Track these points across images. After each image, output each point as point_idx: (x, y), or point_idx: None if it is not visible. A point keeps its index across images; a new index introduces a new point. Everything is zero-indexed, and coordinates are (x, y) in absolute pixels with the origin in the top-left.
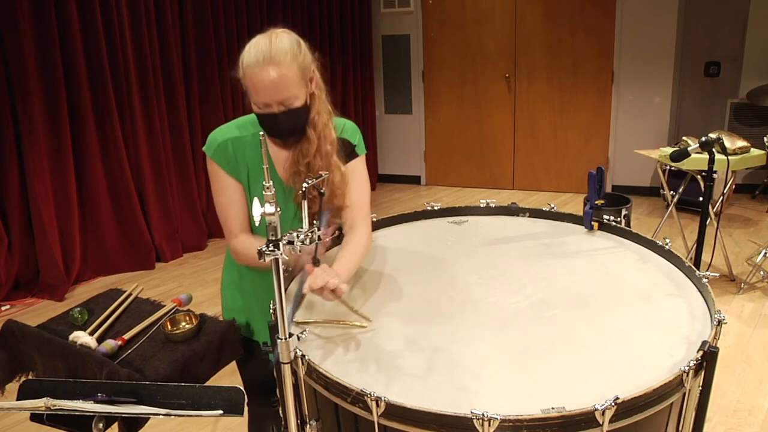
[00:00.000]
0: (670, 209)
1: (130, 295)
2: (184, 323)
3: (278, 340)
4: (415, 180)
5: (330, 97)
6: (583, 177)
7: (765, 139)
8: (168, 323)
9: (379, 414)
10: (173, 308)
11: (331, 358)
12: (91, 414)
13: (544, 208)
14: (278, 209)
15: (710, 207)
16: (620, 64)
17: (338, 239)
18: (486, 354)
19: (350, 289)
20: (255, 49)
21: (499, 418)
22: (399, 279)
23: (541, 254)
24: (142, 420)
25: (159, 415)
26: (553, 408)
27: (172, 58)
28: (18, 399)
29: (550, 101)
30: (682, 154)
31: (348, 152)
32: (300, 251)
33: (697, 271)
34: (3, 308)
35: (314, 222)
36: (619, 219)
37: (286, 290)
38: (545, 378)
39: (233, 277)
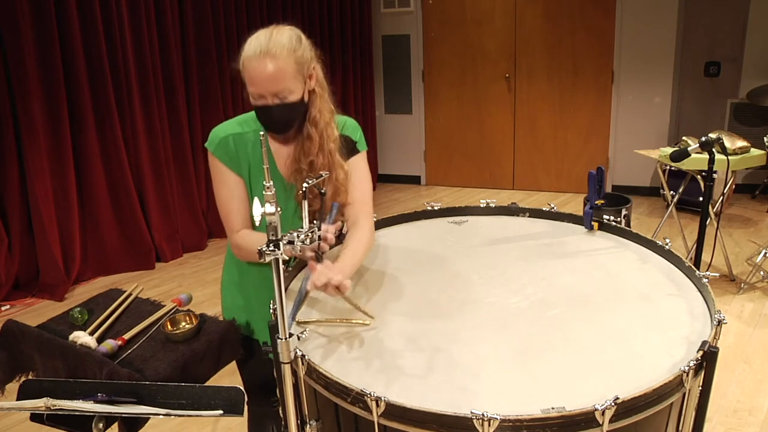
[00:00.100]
0: (670, 209)
1: (130, 295)
2: (184, 323)
3: (278, 340)
4: (415, 180)
5: (333, 96)
6: (583, 177)
7: (765, 139)
8: (168, 323)
9: (379, 414)
10: (173, 308)
11: (331, 358)
12: (91, 414)
13: (544, 208)
14: (278, 209)
15: (710, 207)
16: (620, 64)
17: (339, 238)
18: (486, 354)
19: (353, 286)
20: (255, 41)
21: (499, 418)
22: (399, 279)
23: (541, 254)
24: (142, 420)
25: (159, 415)
26: (553, 408)
27: (172, 58)
28: (18, 399)
29: (550, 101)
30: (682, 154)
31: (349, 149)
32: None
33: (697, 271)
34: (3, 308)
35: (314, 221)
36: (619, 219)
37: (286, 290)
38: (545, 378)
39: (233, 276)
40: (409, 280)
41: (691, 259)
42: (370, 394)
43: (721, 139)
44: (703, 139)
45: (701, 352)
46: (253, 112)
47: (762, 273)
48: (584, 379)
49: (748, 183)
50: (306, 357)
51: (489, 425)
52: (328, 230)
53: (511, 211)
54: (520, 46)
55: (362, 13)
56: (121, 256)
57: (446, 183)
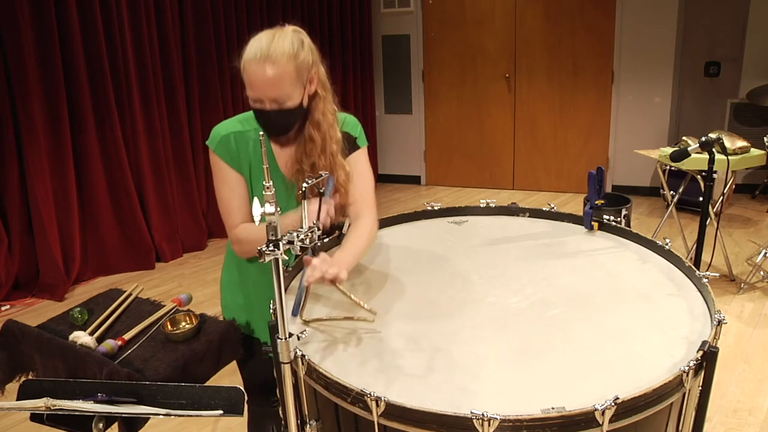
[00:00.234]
0: (670, 209)
1: (130, 295)
2: (184, 323)
3: (278, 340)
4: (415, 180)
5: (336, 98)
6: (583, 177)
7: (765, 139)
8: (168, 323)
9: (379, 414)
10: (173, 308)
11: (331, 357)
12: (91, 414)
13: (544, 208)
14: (278, 209)
15: (710, 207)
16: (620, 64)
17: (338, 239)
18: (486, 354)
19: (351, 286)
20: (256, 44)
21: (499, 418)
22: (399, 279)
23: (541, 254)
24: (142, 420)
25: (159, 415)
26: (553, 408)
27: (172, 58)
28: (18, 399)
29: (550, 101)
30: (682, 154)
31: (350, 145)
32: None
33: (697, 271)
34: (3, 308)
35: (314, 222)
36: (619, 219)
37: (286, 289)
38: (545, 378)
39: (233, 275)
40: (409, 280)
41: (691, 259)
42: (370, 394)
43: (721, 139)
44: (703, 139)
45: (701, 352)
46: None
47: (762, 273)
48: (584, 379)
49: (748, 183)
50: (306, 357)
51: (489, 425)
52: (329, 203)
53: (511, 211)
54: (520, 46)
55: (362, 13)
56: (121, 256)
57: (446, 183)
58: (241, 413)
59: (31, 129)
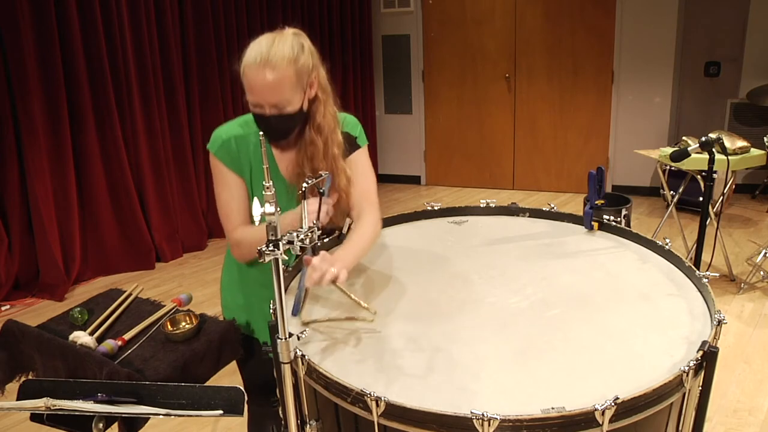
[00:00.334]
0: (670, 209)
1: (130, 295)
2: (184, 323)
3: (278, 340)
4: (415, 180)
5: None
6: (583, 177)
7: (765, 139)
8: (168, 323)
9: (379, 414)
10: (173, 308)
11: (330, 357)
12: (91, 414)
13: (544, 208)
14: (278, 209)
15: (710, 207)
16: (620, 64)
17: (338, 239)
18: (486, 354)
19: (351, 286)
20: (256, 48)
21: (499, 418)
22: (399, 279)
23: (541, 254)
24: (142, 420)
25: (159, 415)
26: (553, 408)
27: (172, 58)
28: (18, 399)
29: (550, 101)
30: (682, 154)
31: (350, 145)
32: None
33: (697, 271)
34: (3, 308)
35: (314, 222)
36: (619, 219)
37: (286, 290)
38: (545, 378)
39: (233, 275)
40: (409, 280)
41: (691, 259)
42: (370, 394)
43: (721, 139)
44: (703, 139)
45: (701, 352)
46: None
47: (762, 273)
48: (584, 379)
49: (748, 183)
50: (306, 357)
51: (489, 425)
52: (327, 203)
53: (511, 211)
54: (520, 46)
55: (362, 13)
56: (121, 256)
57: (446, 183)
58: (241, 413)
59: (31, 129)
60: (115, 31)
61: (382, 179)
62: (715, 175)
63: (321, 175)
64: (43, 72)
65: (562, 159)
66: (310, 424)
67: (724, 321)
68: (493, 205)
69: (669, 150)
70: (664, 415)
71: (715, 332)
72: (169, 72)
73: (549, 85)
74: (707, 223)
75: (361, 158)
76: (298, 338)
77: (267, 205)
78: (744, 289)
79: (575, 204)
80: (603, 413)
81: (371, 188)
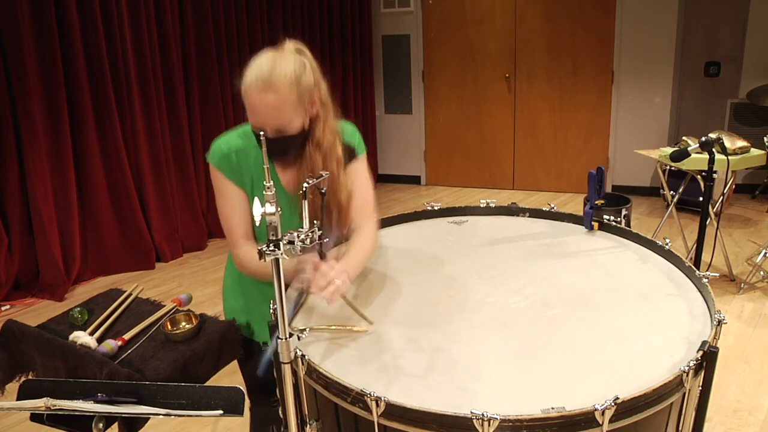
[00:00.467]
0: (670, 209)
1: (130, 295)
2: (184, 323)
3: (278, 340)
4: (415, 180)
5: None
6: (583, 177)
7: (765, 139)
8: (168, 323)
9: (379, 414)
10: (173, 308)
11: (331, 358)
12: (91, 414)
13: (544, 208)
14: (278, 209)
15: (710, 207)
16: (620, 64)
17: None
18: (486, 354)
19: (352, 286)
20: (257, 69)
21: (499, 418)
22: (399, 279)
23: (541, 254)
24: (142, 420)
25: (159, 415)
26: (553, 408)
27: (172, 58)
28: (18, 399)
29: (550, 101)
30: (682, 154)
31: (349, 155)
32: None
33: (697, 271)
34: (3, 308)
35: (315, 222)
36: (619, 219)
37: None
38: (545, 378)
39: (235, 278)
40: (409, 280)
41: (691, 259)
42: (370, 394)
43: (721, 139)
44: (703, 139)
45: (701, 352)
46: None
47: (762, 273)
48: (584, 379)
49: (748, 183)
50: (306, 357)
51: (489, 425)
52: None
53: (511, 211)
54: (520, 46)
55: (362, 13)
56: (121, 256)
57: (446, 183)
58: (241, 413)
59: (31, 129)
60: (115, 31)
61: (382, 179)
62: (715, 175)
63: (321, 175)
64: (43, 72)
65: (562, 159)
66: (310, 424)
67: (724, 321)
68: (493, 205)
69: (669, 150)
70: (664, 415)
71: (715, 332)
72: (169, 72)
73: (549, 85)
74: (707, 223)
75: (359, 168)
76: (299, 338)
77: (267, 205)
78: (744, 289)
79: (575, 204)
80: (603, 413)
81: (369, 200)
